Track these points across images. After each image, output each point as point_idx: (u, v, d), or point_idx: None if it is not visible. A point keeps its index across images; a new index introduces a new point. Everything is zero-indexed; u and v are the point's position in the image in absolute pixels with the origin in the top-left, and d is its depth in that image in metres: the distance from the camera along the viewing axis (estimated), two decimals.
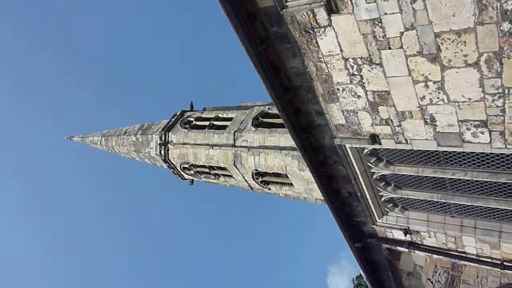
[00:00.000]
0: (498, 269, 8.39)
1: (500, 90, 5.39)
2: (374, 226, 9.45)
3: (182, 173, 15.37)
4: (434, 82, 5.80)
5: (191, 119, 14.96)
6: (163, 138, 14.67)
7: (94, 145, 19.17)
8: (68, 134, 23.39)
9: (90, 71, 66.66)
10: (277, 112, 8.06)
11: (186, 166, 14.74)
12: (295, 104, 7.43)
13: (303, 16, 5.98)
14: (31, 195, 63.82)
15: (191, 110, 15.88)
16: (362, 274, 10.81)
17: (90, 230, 65.51)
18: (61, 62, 63.79)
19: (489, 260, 8.43)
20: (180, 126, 14.72)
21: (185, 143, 14.00)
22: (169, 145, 14.57)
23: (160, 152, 14.80)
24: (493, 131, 5.91)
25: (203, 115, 14.79)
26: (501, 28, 4.81)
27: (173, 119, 15.29)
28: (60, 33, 63.44)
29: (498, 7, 4.66)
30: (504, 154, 6.59)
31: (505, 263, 8.14)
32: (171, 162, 14.93)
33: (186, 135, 14.05)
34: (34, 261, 61.03)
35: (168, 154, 14.70)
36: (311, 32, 6.16)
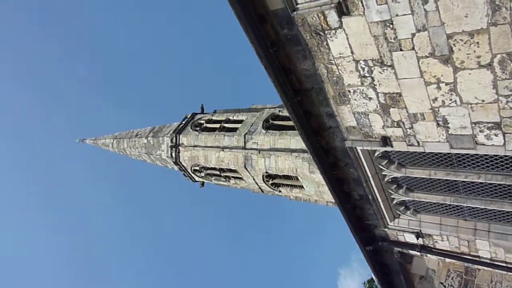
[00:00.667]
0: None
1: None
2: (385, 229, 9.37)
3: (193, 175, 15.44)
4: (447, 84, 5.74)
5: (202, 121, 15.03)
6: (174, 140, 14.76)
7: (106, 147, 19.36)
8: (80, 136, 23.66)
9: (102, 73, 67.46)
10: (287, 114, 8.05)
11: (197, 168, 14.80)
12: (306, 106, 7.42)
13: (314, 18, 5.97)
14: (44, 197, 64.65)
15: (202, 112, 15.97)
16: (374, 277, 10.71)
17: (101, 231, 66.11)
18: (74, 65, 64.65)
19: (504, 265, 8.28)
20: (191, 128, 14.80)
21: (195, 146, 14.07)
22: (180, 147, 14.66)
23: (171, 154, 14.89)
24: (507, 133, 5.82)
25: (214, 118, 14.85)
26: None
27: (184, 122, 15.38)
28: (74, 36, 64.34)
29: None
30: None
31: None
32: (182, 164, 15.01)
33: (196, 137, 14.11)
34: (45, 261, 61.74)
35: (179, 156, 14.78)
36: (322, 34, 6.15)
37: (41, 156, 64.09)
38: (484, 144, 6.17)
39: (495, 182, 7.15)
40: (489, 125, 5.88)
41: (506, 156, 6.58)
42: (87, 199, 66.74)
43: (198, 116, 15.50)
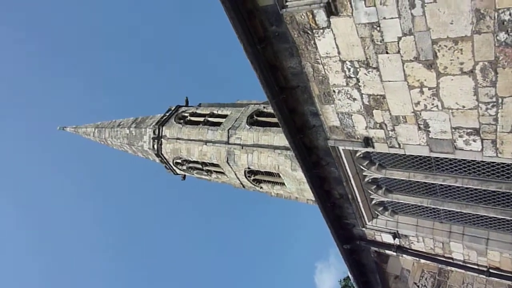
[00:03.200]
0: (484, 276, 8.47)
1: (494, 99, 5.44)
2: (363, 229, 9.51)
3: (175, 168, 15.33)
4: (429, 88, 5.84)
5: (186, 114, 14.92)
6: (156, 132, 14.62)
7: (87, 136, 19.05)
8: (61, 124, 23.21)
9: (87, 62, 66.16)
10: (272, 111, 8.06)
11: (179, 161, 14.71)
12: (291, 104, 7.44)
13: (303, 16, 5.99)
14: (22, 185, 63.27)
15: (186, 105, 15.85)
16: (350, 276, 10.87)
17: (79, 222, 65.15)
18: (57, 53, 63.24)
19: (476, 267, 8.51)
20: (175, 121, 14.68)
21: (178, 138, 13.97)
22: (162, 139, 14.53)
23: (153, 146, 14.75)
24: (485, 139, 5.97)
25: (198, 111, 14.76)
26: (497, 38, 4.86)
27: (167, 114, 15.23)
28: (56, 24, 62.89)
29: (496, 17, 4.70)
30: (495, 162, 6.65)
31: (491, 271, 8.23)
32: (164, 157, 14.89)
33: (180, 130, 14.01)
34: (19, 250, 60.54)
35: (161, 148, 14.65)
36: (310, 33, 6.17)
37: (21, 143, 62.61)
38: (462, 149, 6.31)
39: (471, 186, 7.33)
40: (468, 130, 6.01)
41: (483, 161, 6.74)
42: (66, 187, 65.62)
43: (182, 109, 15.38)
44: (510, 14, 4.61)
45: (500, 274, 8.16)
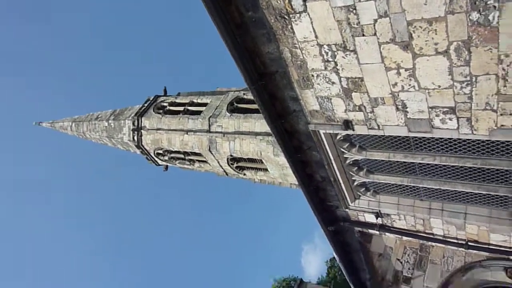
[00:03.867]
0: (463, 249, 8.79)
1: (468, 78, 5.57)
2: (346, 210, 9.69)
3: (156, 159, 15.22)
4: (406, 70, 5.92)
5: (165, 104, 14.76)
6: (136, 123, 14.44)
7: (64, 130, 18.67)
8: (37, 119, 22.64)
9: (62, 54, 64.35)
10: (252, 97, 8.05)
11: (160, 152, 14.60)
12: (270, 90, 7.44)
13: (279, 1, 5.95)
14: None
15: (165, 95, 15.67)
16: (335, 256, 11.09)
17: (60, 217, 64.17)
18: (33, 44, 61.23)
19: (455, 241, 8.80)
20: (154, 111, 14.51)
21: (159, 129, 13.84)
22: (142, 130, 14.37)
23: (133, 137, 14.58)
24: (460, 117, 6.12)
25: (177, 100, 14.62)
26: (470, 17, 4.94)
27: (146, 104, 15.04)
28: (30, 14, 60.74)
29: None
30: (470, 140, 6.84)
31: (469, 243, 8.52)
32: (145, 148, 14.75)
33: (160, 120, 13.87)
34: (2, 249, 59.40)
35: (141, 139, 14.50)
36: (287, 17, 6.15)
37: None
38: (439, 128, 6.46)
39: (449, 164, 7.52)
40: (445, 109, 6.15)
41: (459, 139, 6.92)
42: (45, 183, 64.36)
43: (161, 99, 15.20)
44: None
45: (478, 246, 8.46)
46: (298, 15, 6.03)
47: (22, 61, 61.61)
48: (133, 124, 14.50)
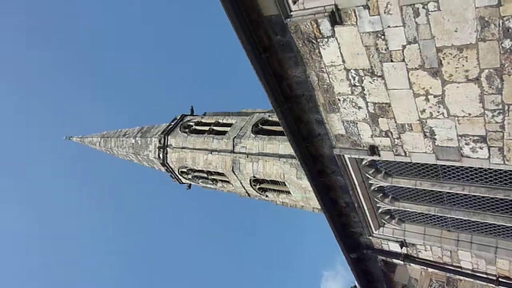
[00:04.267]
0: (493, 285, 8.36)
1: (500, 107, 5.42)
2: (370, 237, 9.44)
3: (180, 177, 15.36)
4: (435, 96, 5.83)
5: (191, 123, 14.99)
6: (162, 141, 14.68)
7: (93, 146, 19.16)
8: (67, 134, 23.37)
9: (92, 71, 66.77)
10: (277, 119, 8.08)
11: (184, 170, 14.74)
12: (296, 113, 7.45)
13: (307, 26, 6.02)
14: (29, 194, 63.60)
15: (191, 114, 15.93)
16: (357, 285, 10.77)
17: (87, 232, 65.23)
18: (63, 62, 63.89)
19: (484, 276, 8.41)
20: (180, 130, 14.74)
21: (184, 147, 14.02)
22: (168, 148, 14.58)
23: (158, 155, 14.81)
24: (492, 146, 5.93)
25: (203, 120, 14.83)
26: (502, 45, 4.85)
27: (173, 123, 15.32)
28: (61, 32, 63.56)
29: (500, 24, 4.70)
30: (502, 170, 6.60)
31: (500, 279, 8.13)
32: (169, 166, 14.93)
33: (185, 139, 14.06)
34: (30, 262, 60.66)
35: (166, 157, 14.71)
36: (314, 42, 6.20)
37: (28, 152, 62.97)
38: (469, 157, 6.27)
39: (478, 194, 7.27)
40: (475, 138, 5.98)
41: (490, 169, 6.69)
42: (73, 197, 65.82)
43: (188, 118, 15.46)
44: None
45: (510, 283, 8.05)
46: (326, 39, 6.07)
47: (57, 76, 64.19)
48: (159, 142, 14.75)
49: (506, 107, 5.39)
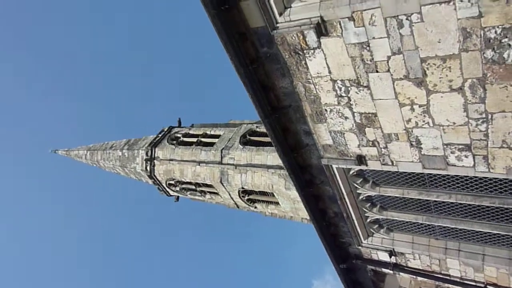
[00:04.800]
0: None
1: (484, 115, 5.52)
2: (359, 247, 9.44)
3: (168, 189, 15.21)
4: (420, 106, 5.91)
5: (179, 135, 14.90)
6: (149, 153, 14.55)
7: (79, 159, 18.90)
8: (53, 147, 23.04)
9: (77, 84, 66.18)
10: (265, 130, 8.09)
11: (172, 182, 14.60)
12: (283, 124, 7.47)
13: (293, 37, 6.07)
14: (14, 208, 62.26)
15: (179, 126, 15.84)
16: None
17: (72, 245, 63.94)
18: (48, 74, 63.27)
19: (473, 283, 8.45)
20: (167, 142, 14.64)
21: (171, 159, 13.90)
22: (155, 161, 14.45)
23: (146, 167, 14.65)
24: (476, 155, 6.02)
25: (191, 132, 14.76)
26: (484, 55, 4.96)
27: (160, 135, 15.20)
28: (45, 43, 63.08)
29: (482, 35, 4.81)
30: (487, 178, 6.70)
31: (488, 287, 8.17)
32: (157, 178, 14.78)
33: (173, 151, 13.96)
34: (15, 276, 59.10)
35: (154, 170, 14.56)
36: (301, 53, 6.25)
37: (12, 166, 61.87)
38: (455, 165, 6.35)
39: (465, 202, 7.34)
40: (460, 146, 6.07)
41: (476, 177, 6.78)
42: (59, 210, 64.63)
43: (175, 130, 15.36)
44: (496, 32, 4.72)
45: None
46: (312, 51, 6.12)
47: (40, 89, 63.48)
48: (147, 154, 14.61)
49: (490, 116, 5.48)
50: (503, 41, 4.75)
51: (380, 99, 6.17)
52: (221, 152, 12.31)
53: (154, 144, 14.70)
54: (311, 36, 5.92)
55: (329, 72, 6.27)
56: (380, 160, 7.06)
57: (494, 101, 5.31)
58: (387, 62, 5.65)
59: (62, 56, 62.57)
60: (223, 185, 12.32)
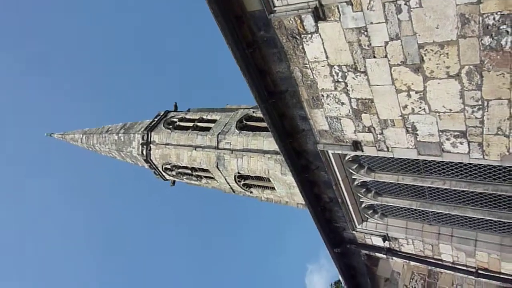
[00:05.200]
0: (473, 277, 8.55)
1: (480, 102, 5.52)
2: (354, 232, 9.54)
3: (164, 173, 15.23)
4: (417, 92, 5.90)
5: (175, 119, 14.86)
6: (145, 137, 14.53)
7: (74, 142, 18.85)
8: (48, 130, 22.94)
9: (74, 67, 65.55)
10: (261, 115, 8.07)
11: (168, 166, 14.62)
12: (280, 109, 7.45)
13: (291, 21, 6.01)
14: (9, 192, 62.27)
15: (175, 110, 15.79)
16: (341, 279, 10.88)
17: (69, 229, 64.27)
18: (44, 58, 62.58)
19: (464, 268, 8.58)
20: (164, 126, 14.61)
21: (167, 144, 13.89)
22: (151, 145, 14.44)
23: (142, 152, 14.65)
24: (471, 142, 6.04)
25: (187, 116, 14.72)
26: (482, 42, 4.94)
27: (156, 119, 15.16)
28: (44, 28, 62.25)
29: (480, 21, 4.78)
30: (482, 164, 6.74)
31: (479, 271, 8.31)
32: (153, 162, 14.79)
33: (169, 135, 13.94)
34: (10, 258, 59.46)
35: (150, 154, 14.56)
36: (298, 37, 6.20)
37: (7, 149, 61.61)
38: (450, 152, 6.38)
39: (459, 188, 7.40)
40: (455, 133, 6.09)
41: (470, 164, 6.82)
42: (54, 194, 64.75)
43: (171, 114, 15.32)
44: (494, 19, 4.69)
45: (489, 275, 8.24)
46: (309, 35, 6.08)
47: (36, 72, 62.83)
48: (143, 138, 14.59)
49: (486, 103, 5.49)
50: (501, 27, 4.72)
51: (377, 85, 6.15)
52: (218, 136, 12.30)
53: (150, 128, 14.67)
54: (309, 21, 5.86)
55: (326, 57, 6.23)
56: (375, 146, 7.08)
57: (490, 88, 5.31)
58: (385, 47, 5.62)
59: (59, 40, 61.85)
60: (219, 170, 12.34)
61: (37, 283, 57.07)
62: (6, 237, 58.37)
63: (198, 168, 13.56)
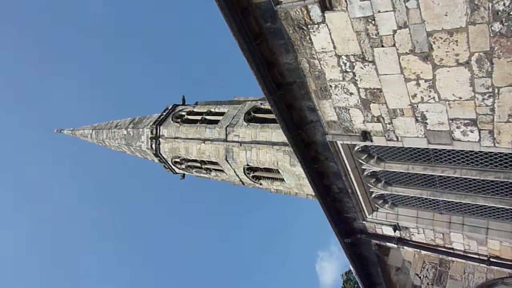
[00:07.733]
0: (485, 265, 8.52)
1: (490, 90, 5.46)
2: (364, 222, 9.54)
3: (173, 167, 15.33)
4: (426, 81, 5.85)
5: (183, 113, 14.90)
6: (154, 132, 14.60)
7: (84, 138, 19.01)
8: (58, 126, 23.14)
9: (82, 63, 65.96)
10: (269, 107, 8.06)
11: (177, 160, 14.70)
12: (288, 100, 7.44)
13: (297, 12, 5.98)
14: (20, 188, 63.17)
15: (183, 104, 15.82)
16: (352, 269, 10.91)
17: (79, 224, 65.12)
18: (54, 55, 62.96)
19: (476, 256, 8.56)
20: (172, 120, 14.66)
21: (176, 137, 13.96)
22: (160, 139, 14.52)
23: (151, 146, 14.74)
24: (482, 129, 5.99)
25: (195, 110, 14.74)
26: (492, 28, 4.86)
27: (164, 113, 15.22)
28: (52, 25, 62.55)
29: (490, 7, 4.70)
30: (493, 152, 6.68)
31: (491, 259, 8.28)
32: (162, 156, 14.88)
33: (177, 129, 13.99)
34: (22, 253, 60.51)
35: (159, 148, 14.64)
36: (305, 28, 6.16)
37: (18, 146, 62.35)
38: (460, 140, 6.33)
39: (469, 177, 7.35)
40: (466, 121, 6.03)
41: (481, 152, 6.77)
42: (65, 189, 65.56)
43: (179, 108, 15.35)
44: (504, 4, 4.62)
45: (501, 262, 8.20)
46: (316, 26, 6.04)
47: (47, 68, 63.30)
48: (152, 132, 14.67)
49: (496, 90, 5.43)
50: (511, 13, 4.65)
51: (385, 74, 6.11)
52: (226, 129, 12.32)
53: (159, 123, 14.74)
54: (315, 11, 5.82)
55: (334, 47, 6.19)
56: (385, 136, 7.04)
57: (501, 75, 5.24)
58: (393, 36, 5.57)
59: (68, 34, 62.12)
60: (228, 162, 12.39)
61: (44, 280, 58.04)
62: (16, 234, 59.37)
63: (207, 161, 13.61)
